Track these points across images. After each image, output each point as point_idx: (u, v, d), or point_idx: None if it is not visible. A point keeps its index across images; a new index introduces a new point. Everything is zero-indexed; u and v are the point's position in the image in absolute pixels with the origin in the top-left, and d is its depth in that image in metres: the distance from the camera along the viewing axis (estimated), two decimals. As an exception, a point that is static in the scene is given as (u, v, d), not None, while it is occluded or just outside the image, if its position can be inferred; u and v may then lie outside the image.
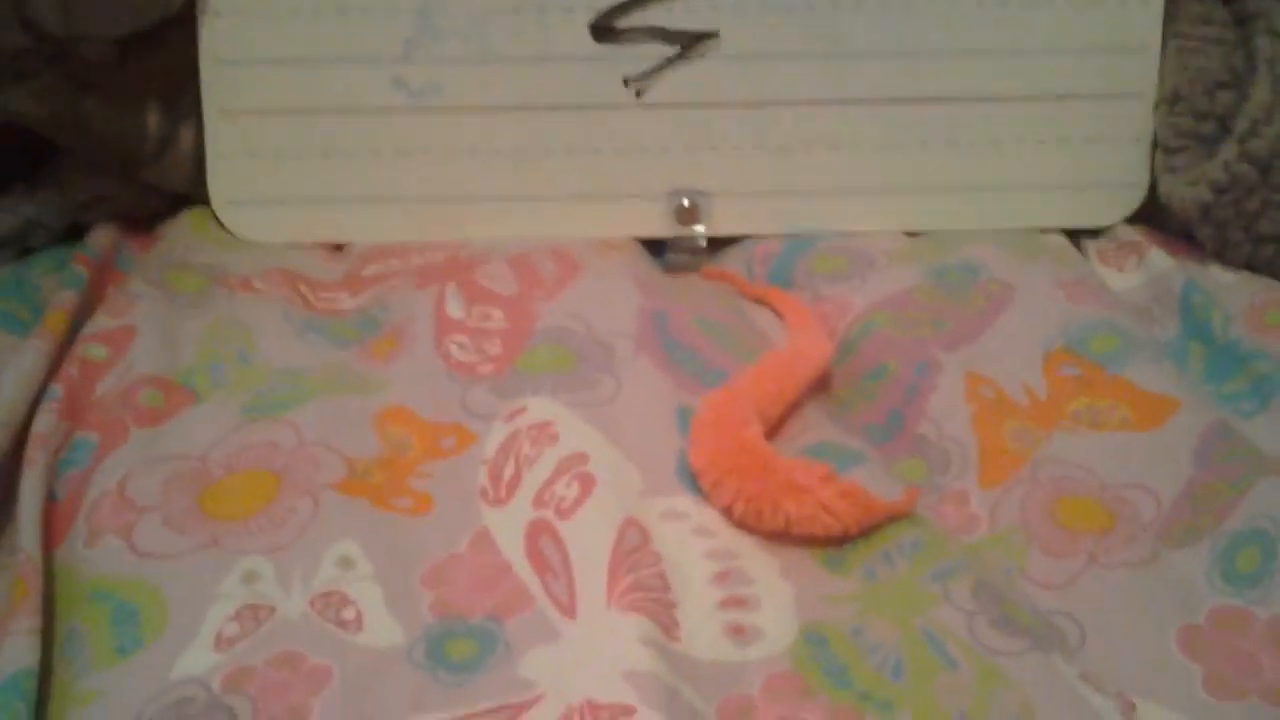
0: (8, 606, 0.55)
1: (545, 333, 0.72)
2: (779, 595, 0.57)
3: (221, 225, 0.84)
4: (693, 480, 0.62)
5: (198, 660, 0.54)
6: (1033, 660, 0.54)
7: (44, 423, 0.64)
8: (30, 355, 0.67)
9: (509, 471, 0.63)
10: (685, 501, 0.62)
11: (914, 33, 0.84)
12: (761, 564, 0.59)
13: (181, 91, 0.82)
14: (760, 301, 0.79)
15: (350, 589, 0.57)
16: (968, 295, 0.76)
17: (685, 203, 0.84)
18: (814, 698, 0.52)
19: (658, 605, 0.55)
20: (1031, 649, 0.54)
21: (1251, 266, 0.81)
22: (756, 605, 0.57)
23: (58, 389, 0.66)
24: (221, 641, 0.55)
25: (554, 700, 0.52)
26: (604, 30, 0.83)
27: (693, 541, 0.60)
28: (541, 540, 0.59)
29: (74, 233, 0.82)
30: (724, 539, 0.60)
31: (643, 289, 0.76)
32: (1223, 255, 0.81)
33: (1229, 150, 0.79)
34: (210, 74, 0.82)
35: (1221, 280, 0.80)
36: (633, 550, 0.58)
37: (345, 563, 0.59)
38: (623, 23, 0.83)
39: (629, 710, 0.50)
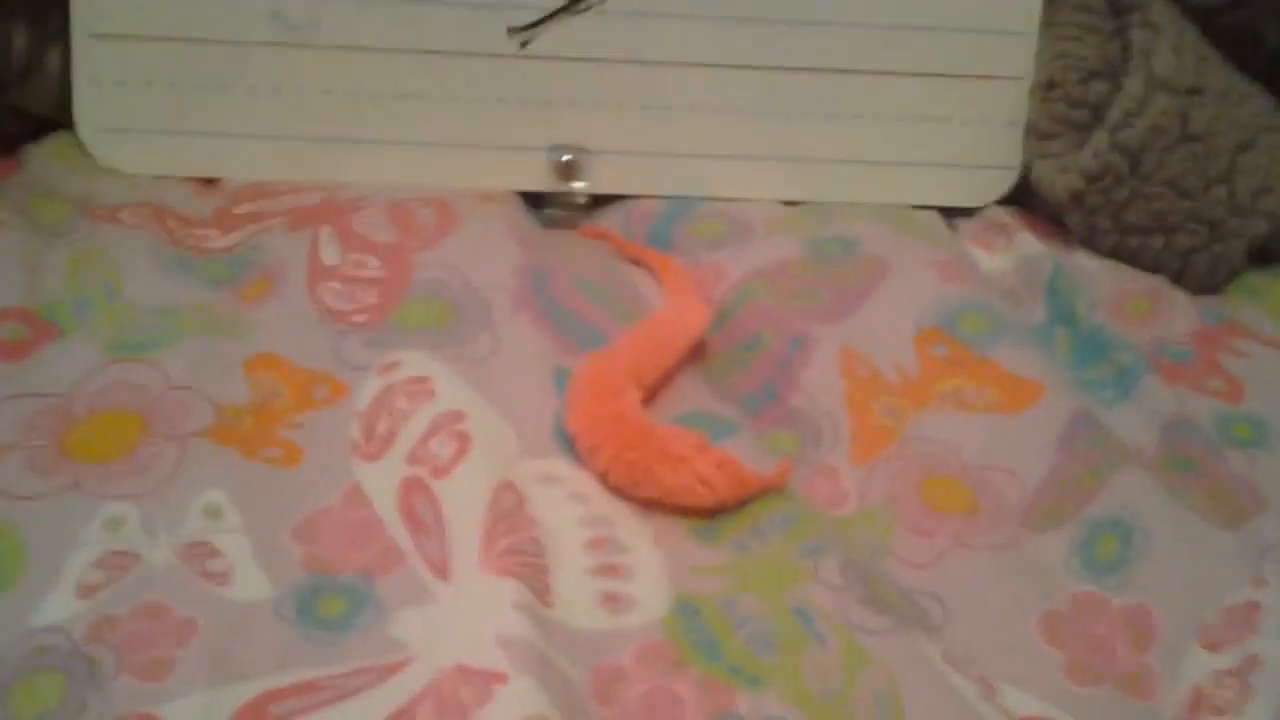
0: None
1: (422, 285, 0.71)
2: (651, 565, 0.58)
3: (88, 153, 0.80)
4: (569, 443, 0.62)
5: (59, 608, 0.53)
6: (898, 640, 0.55)
7: None
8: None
9: (382, 426, 0.62)
10: (561, 465, 0.62)
11: (803, 2, 0.84)
12: (634, 532, 0.59)
13: (51, 10, 0.79)
14: (637, 262, 0.79)
15: (218, 540, 0.56)
16: (844, 269, 0.76)
17: (566, 158, 0.83)
18: (685, 669, 0.53)
19: (532, 570, 0.55)
20: (897, 628, 0.55)
21: (1117, 255, 0.82)
22: (629, 574, 0.57)
23: (-89, 321, 0.64)
24: (84, 589, 0.53)
25: (425, 662, 0.51)
26: (492, -24, 0.82)
27: (567, 507, 0.60)
28: (415, 498, 0.59)
29: (-69, 153, 0.79)
30: (598, 505, 0.60)
31: (522, 244, 0.75)
32: (1090, 242, 0.83)
33: (1101, 139, 0.81)
34: (82, -6, 0.79)
35: (1087, 267, 0.81)
36: (507, 514, 0.58)
37: (212, 512, 0.57)
38: (511, -30, 0.82)
39: (500, 677, 0.50)
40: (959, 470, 0.65)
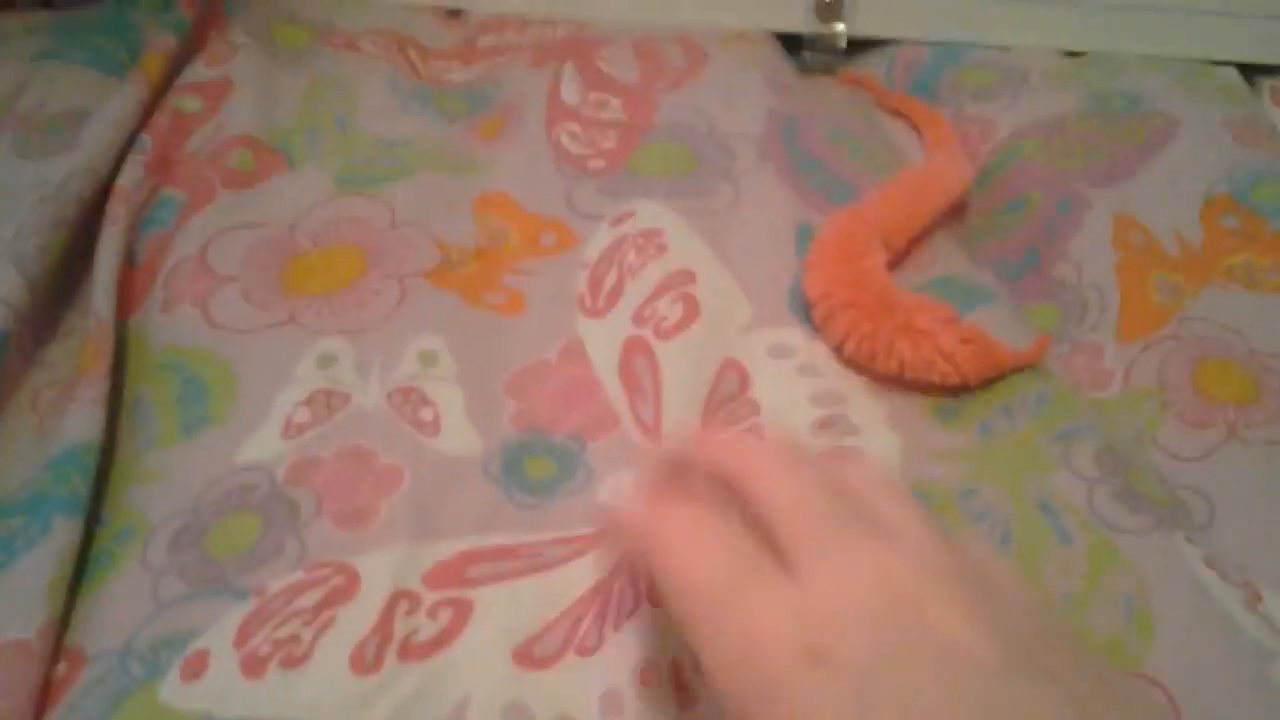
0: (75, 373, 0.52)
1: (664, 128, 0.67)
2: (885, 449, 0.53)
3: (336, -23, 0.78)
4: (805, 309, 0.58)
5: (264, 446, 0.51)
6: (1154, 540, 0.49)
7: (129, 175, 0.61)
8: (122, 100, 0.64)
9: (610, 280, 0.59)
10: (794, 334, 0.57)
11: None
12: (869, 411, 0.55)
13: None
14: (897, 113, 0.73)
15: (430, 388, 0.54)
16: (1125, 127, 0.69)
17: (829, -3, 0.78)
18: None
19: None
20: (1154, 527, 0.50)
21: None
22: (861, 460, 0.53)
23: (147, 140, 0.63)
24: (291, 427, 0.52)
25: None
26: None
27: (797, 382, 0.55)
28: (636, 359, 0.55)
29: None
30: (830, 379, 0.56)
31: (773, 89, 0.70)
32: None
33: None
34: None
35: None
36: (729, 398, 0.54)
37: (428, 358, 0.55)
38: None
39: None
40: (1242, 356, 0.58)
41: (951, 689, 0.34)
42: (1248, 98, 0.74)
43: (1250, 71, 0.77)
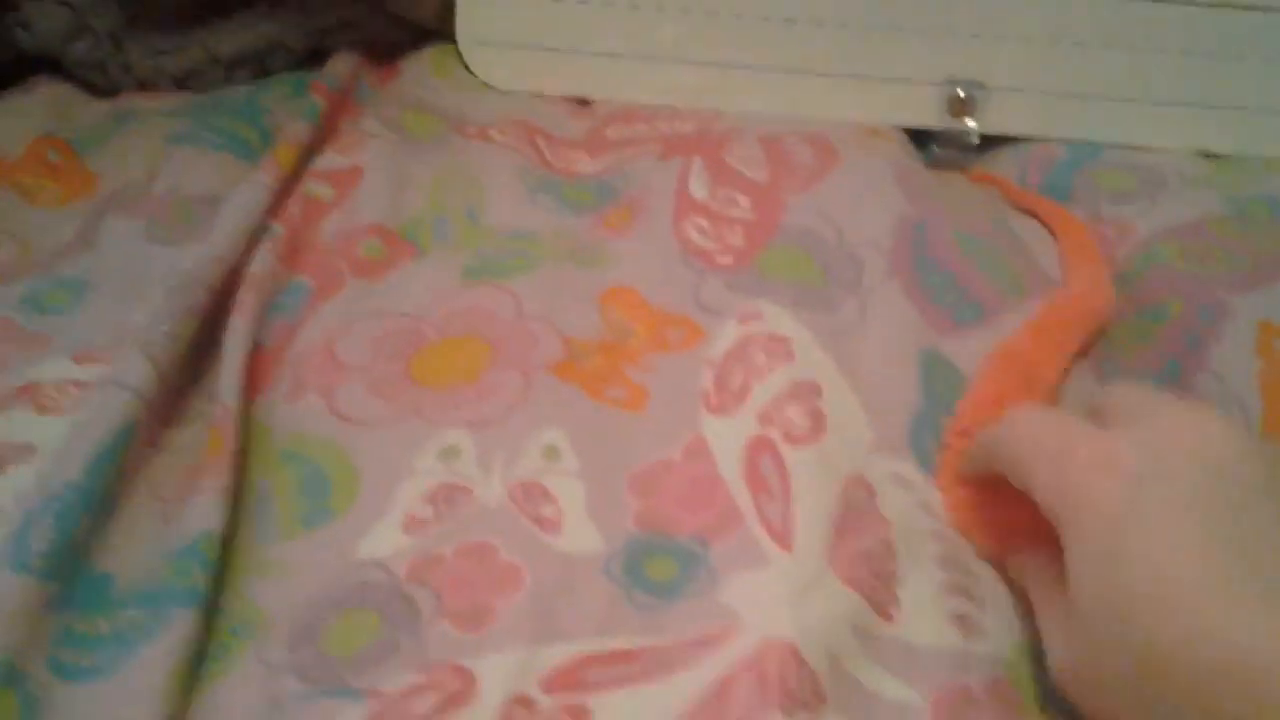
0: (199, 461, 0.52)
1: (792, 230, 0.66)
2: (1002, 600, 0.51)
3: (465, 66, 0.79)
4: (921, 444, 0.56)
5: (385, 541, 0.51)
6: None
7: (261, 263, 0.61)
8: (255, 190, 0.64)
9: (737, 379, 0.58)
10: (911, 469, 0.55)
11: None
12: (984, 562, 0.53)
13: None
14: (1030, 213, 0.72)
15: (552, 483, 0.53)
16: (1272, 232, 0.67)
17: (960, 93, 0.77)
18: (1029, 718, 0.47)
19: (878, 580, 0.50)
20: None
21: None
22: (982, 603, 0.50)
23: (279, 228, 0.63)
24: (412, 523, 0.51)
25: (753, 632, 0.47)
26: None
27: (919, 516, 0.53)
28: (763, 459, 0.54)
29: (314, 58, 0.78)
30: (946, 523, 0.53)
31: (903, 191, 0.68)
32: None
33: None
34: (470, -95, 0.77)
35: None
36: (859, 509, 0.52)
37: (551, 453, 0.54)
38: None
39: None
40: None
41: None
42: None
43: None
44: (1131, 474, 0.42)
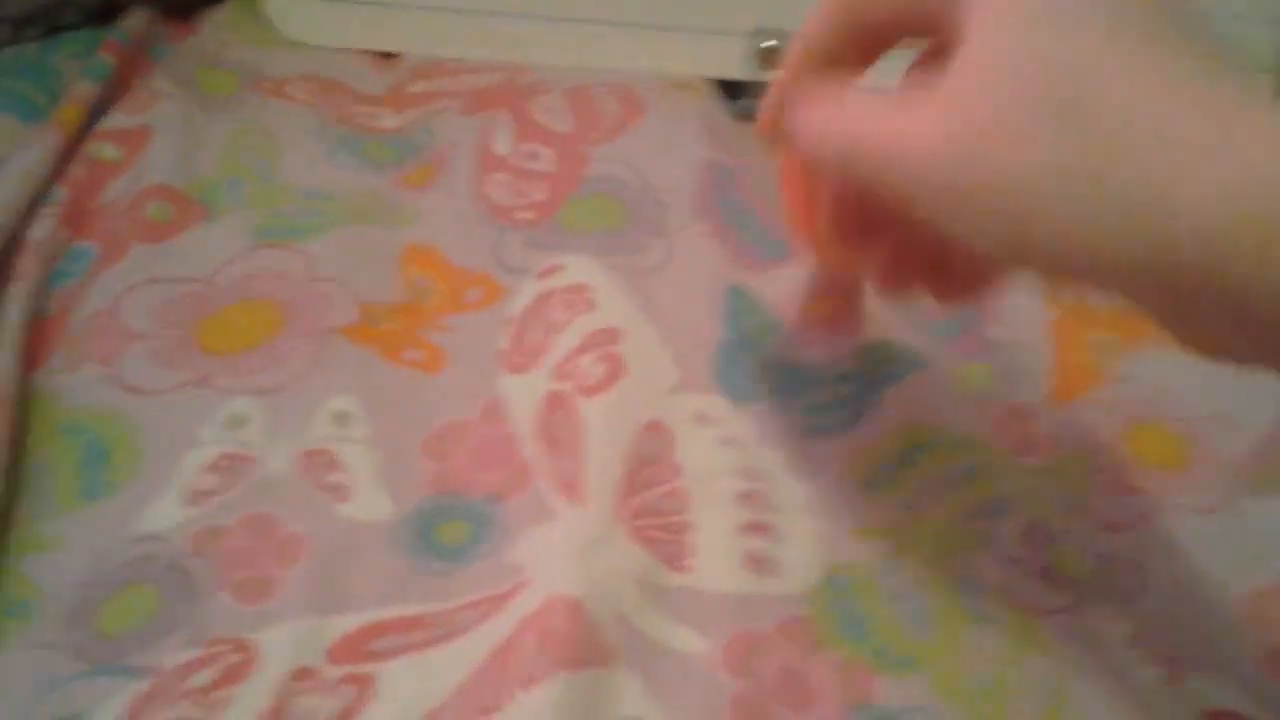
0: (-29, 434, 0.51)
1: (595, 180, 0.65)
2: (805, 529, 0.51)
3: (264, 21, 0.76)
4: (729, 378, 0.56)
5: (166, 514, 0.49)
6: (1077, 619, 0.48)
7: (42, 229, 0.59)
8: (35, 152, 0.62)
9: (536, 336, 0.57)
10: (718, 403, 0.55)
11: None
12: (790, 489, 0.53)
13: None
14: None
15: (342, 450, 0.52)
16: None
17: (768, 44, 0.76)
18: (823, 652, 0.47)
19: (667, 532, 0.50)
20: (1077, 603, 0.49)
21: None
22: (780, 536, 0.51)
23: (61, 191, 0.61)
24: (195, 495, 0.50)
25: (538, 588, 0.47)
26: None
27: (719, 452, 0.54)
28: (556, 414, 0.54)
29: (107, 14, 0.76)
30: (752, 453, 0.54)
31: (710, 139, 0.68)
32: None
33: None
34: None
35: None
36: (652, 460, 0.52)
37: (341, 419, 0.53)
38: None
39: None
40: (1172, 418, 0.57)
41: None
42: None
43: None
44: None
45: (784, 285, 0.60)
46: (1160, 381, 0.58)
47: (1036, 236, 0.34)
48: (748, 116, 0.76)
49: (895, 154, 0.37)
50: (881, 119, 0.38)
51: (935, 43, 0.42)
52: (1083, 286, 0.35)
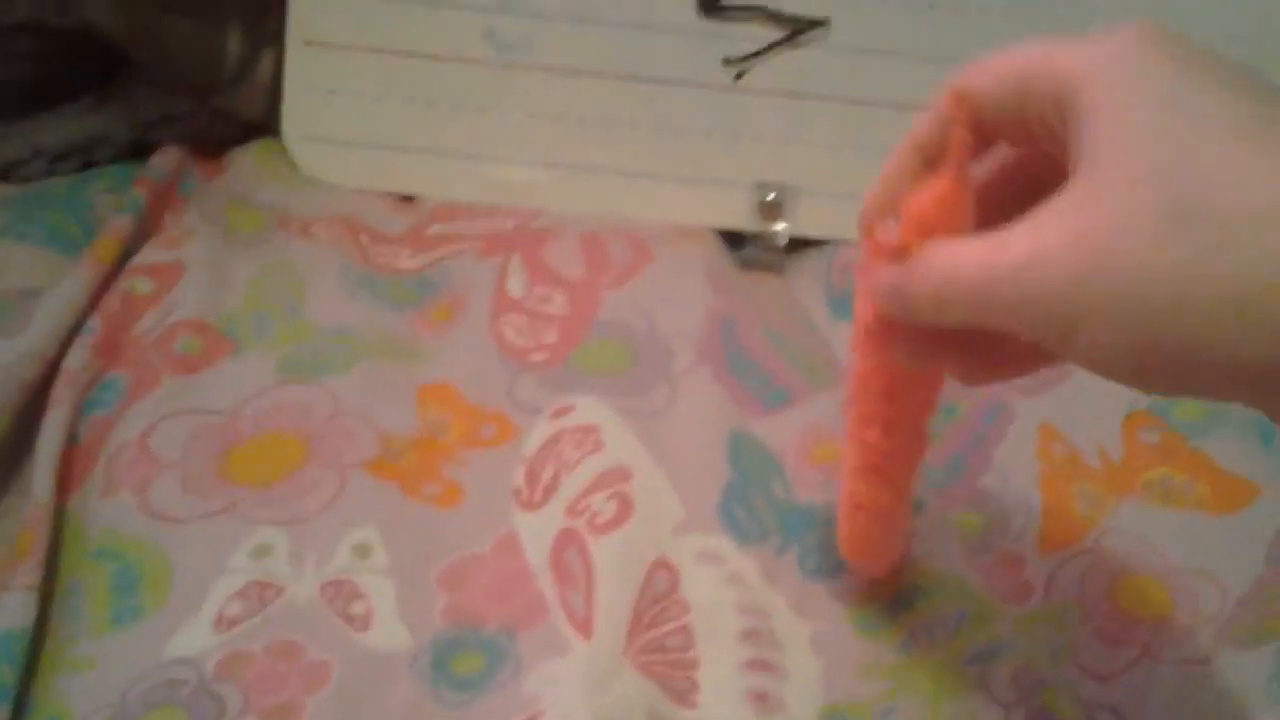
0: (11, 558, 0.53)
1: (606, 325, 0.68)
2: (807, 667, 0.54)
3: (290, 161, 0.80)
4: (732, 519, 0.59)
5: (195, 639, 0.52)
6: None
7: (76, 359, 0.62)
8: (72, 284, 0.65)
9: (548, 474, 0.60)
10: (723, 543, 0.58)
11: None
12: (793, 626, 0.55)
13: (266, 15, 0.79)
14: None
15: (363, 580, 0.55)
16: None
17: (770, 197, 0.80)
18: None
19: (674, 668, 0.52)
20: None
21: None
22: (783, 674, 0.53)
23: (96, 323, 0.64)
24: (223, 621, 0.52)
25: (554, 716, 0.49)
26: (710, 5, 0.79)
27: (725, 591, 0.56)
28: (568, 550, 0.56)
29: (140, 151, 0.79)
30: (756, 593, 0.56)
31: (714, 287, 0.72)
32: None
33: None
34: (298, 1, 0.78)
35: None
36: (660, 597, 0.55)
37: (362, 550, 0.56)
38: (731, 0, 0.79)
39: None
40: (1158, 571, 0.59)
41: None
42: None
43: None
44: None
45: (784, 431, 0.63)
46: (1145, 535, 0.61)
47: (1162, 341, 0.35)
48: (750, 265, 0.79)
49: (1015, 271, 0.37)
50: (1002, 244, 0.38)
51: (1005, 166, 0.44)
52: (1204, 392, 0.36)
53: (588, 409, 0.63)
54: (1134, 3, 0.74)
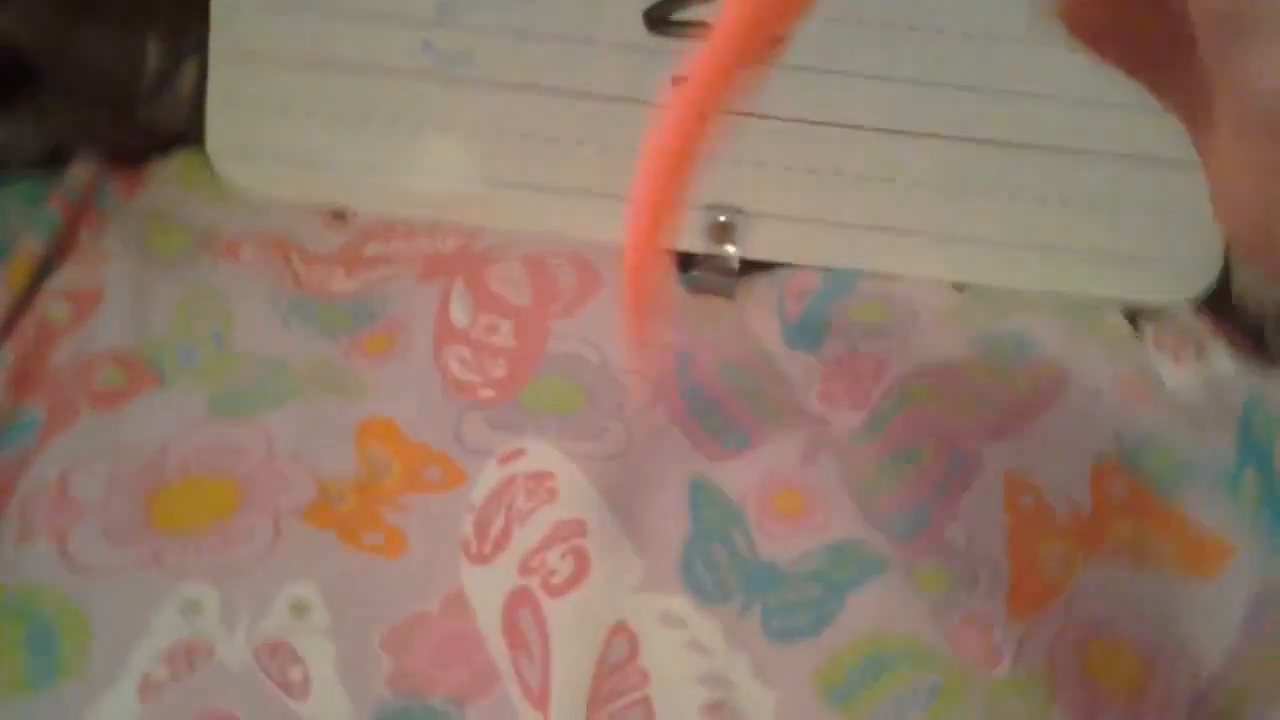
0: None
1: (555, 359, 0.65)
2: None
3: (214, 175, 0.75)
4: (694, 576, 0.56)
5: (116, 708, 0.48)
6: None
7: None
8: (-17, 310, 0.60)
9: (497, 525, 0.56)
10: (683, 604, 0.55)
11: (994, 70, 0.76)
12: (757, 697, 0.52)
13: (187, 26, 0.74)
14: None
15: (301, 642, 0.51)
16: (1016, 376, 0.68)
17: (721, 219, 0.77)
18: None
19: None
20: None
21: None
22: None
23: (7, 355, 0.59)
24: (147, 688, 0.48)
25: None
26: (658, 20, 0.75)
27: (686, 659, 0.53)
28: (521, 613, 0.53)
29: (57, 158, 0.74)
30: (719, 659, 0.53)
31: (666, 315, 0.68)
32: (1298, 369, 0.73)
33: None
34: (221, 12, 0.74)
35: (1290, 402, 0.71)
36: (618, 665, 0.51)
37: (299, 608, 0.52)
38: (680, 14, 0.75)
39: None
40: (1130, 637, 0.57)
41: None
42: (1132, 345, 0.73)
43: (1131, 315, 0.77)
44: None
45: (744, 477, 0.60)
46: (1116, 596, 0.58)
47: None
48: (699, 288, 0.76)
49: None
50: None
51: None
52: None
53: (540, 455, 0.59)
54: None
